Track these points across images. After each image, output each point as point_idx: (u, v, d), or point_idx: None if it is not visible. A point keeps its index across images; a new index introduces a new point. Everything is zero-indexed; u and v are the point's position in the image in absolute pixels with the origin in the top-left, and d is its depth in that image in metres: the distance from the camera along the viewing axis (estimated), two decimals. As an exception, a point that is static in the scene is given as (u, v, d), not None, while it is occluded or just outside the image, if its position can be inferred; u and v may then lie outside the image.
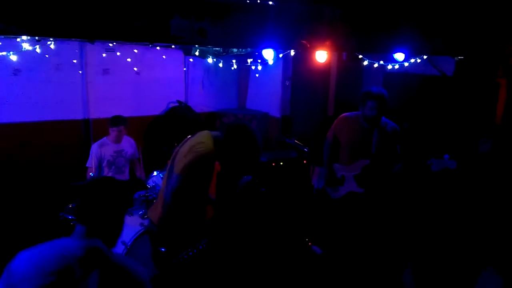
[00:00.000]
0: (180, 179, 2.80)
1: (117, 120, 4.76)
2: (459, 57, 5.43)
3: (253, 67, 6.70)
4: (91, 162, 4.72)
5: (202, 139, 2.98)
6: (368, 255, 4.20)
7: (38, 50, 3.79)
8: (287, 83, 6.86)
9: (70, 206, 4.36)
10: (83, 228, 1.77)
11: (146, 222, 3.99)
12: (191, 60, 6.58)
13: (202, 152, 2.84)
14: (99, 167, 4.77)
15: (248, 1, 3.81)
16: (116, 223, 1.86)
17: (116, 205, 1.86)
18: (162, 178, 4.51)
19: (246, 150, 2.86)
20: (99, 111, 5.76)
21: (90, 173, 4.69)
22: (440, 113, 5.68)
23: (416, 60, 5.52)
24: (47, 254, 1.70)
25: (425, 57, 5.44)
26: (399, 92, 6.15)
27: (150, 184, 4.53)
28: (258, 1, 3.85)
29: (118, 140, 4.84)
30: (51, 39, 3.82)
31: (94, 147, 4.77)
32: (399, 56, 4.94)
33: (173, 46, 5.86)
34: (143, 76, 6.19)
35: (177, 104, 6.55)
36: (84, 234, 1.76)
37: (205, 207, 3.10)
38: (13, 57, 3.88)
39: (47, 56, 4.95)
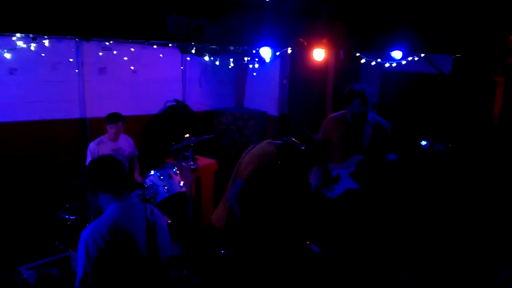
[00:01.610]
0: (243, 183, 3.15)
1: (114, 117, 4.74)
2: (457, 55, 5.43)
3: (250, 66, 6.68)
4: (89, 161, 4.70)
5: (264, 147, 3.33)
6: (367, 253, 4.19)
7: (32, 48, 3.77)
8: (285, 81, 6.85)
9: (67, 205, 4.34)
10: (107, 195, 2.25)
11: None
12: (188, 58, 6.56)
13: (265, 160, 3.20)
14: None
15: (244, -1, 3.80)
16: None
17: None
18: (159, 177, 4.51)
19: (310, 154, 3.22)
20: (96, 110, 5.74)
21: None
22: (437, 111, 5.68)
23: (413, 58, 5.51)
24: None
25: (422, 55, 5.43)
26: (397, 90, 6.15)
27: (147, 183, 4.51)
28: (255, -2, 3.84)
29: (116, 138, 4.81)
30: (46, 36, 3.79)
31: (92, 146, 4.75)
32: (397, 54, 4.93)
33: (170, 45, 5.84)
34: (140, 75, 6.17)
35: (174, 103, 6.53)
36: (113, 198, 2.26)
37: (271, 212, 3.38)
38: (7, 55, 3.85)
39: (43, 55, 4.92)
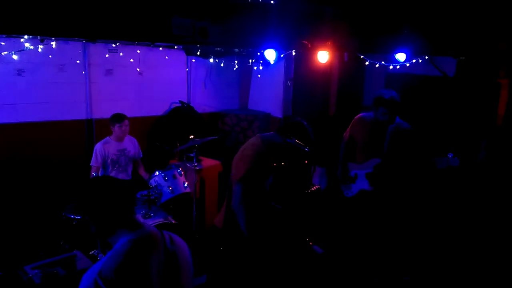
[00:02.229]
0: (241, 186, 3.12)
1: (120, 116, 4.79)
2: (461, 58, 5.43)
3: (255, 68, 6.70)
4: (95, 161, 4.74)
5: (249, 141, 3.29)
6: (371, 255, 4.20)
7: (40, 49, 3.82)
8: (289, 83, 6.87)
9: (72, 205, 4.37)
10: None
11: (148, 222, 4.00)
12: (193, 60, 6.60)
13: (254, 157, 3.16)
14: (104, 166, 4.79)
15: (249, 1, 3.83)
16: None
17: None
18: (164, 178, 4.54)
19: (302, 140, 3.21)
20: (102, 111, 5.79)
21: (93, 173, 4.71)
22: (441, 114, 5.68)
23: (417, 61, 5.52)
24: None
25: (426, 57, 5.44)
26: (401, 93, 6.13)
27: (152, 183, 4.54)
28: (260, 0, 3.86)
29: (122, 137, 4.85)
30: (53, 38, 3.84)
31: (98, 146, 4.79)
32: (401, 56, 4.94)
33: (175, 47, 5.88)
34: (145, 77, 6.21)
35: (179, 104, 6.57)
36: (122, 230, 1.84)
37: (265, 209, 3.35)
38: (15, 56, 3.91)
39: (50, 56, 4.98)
